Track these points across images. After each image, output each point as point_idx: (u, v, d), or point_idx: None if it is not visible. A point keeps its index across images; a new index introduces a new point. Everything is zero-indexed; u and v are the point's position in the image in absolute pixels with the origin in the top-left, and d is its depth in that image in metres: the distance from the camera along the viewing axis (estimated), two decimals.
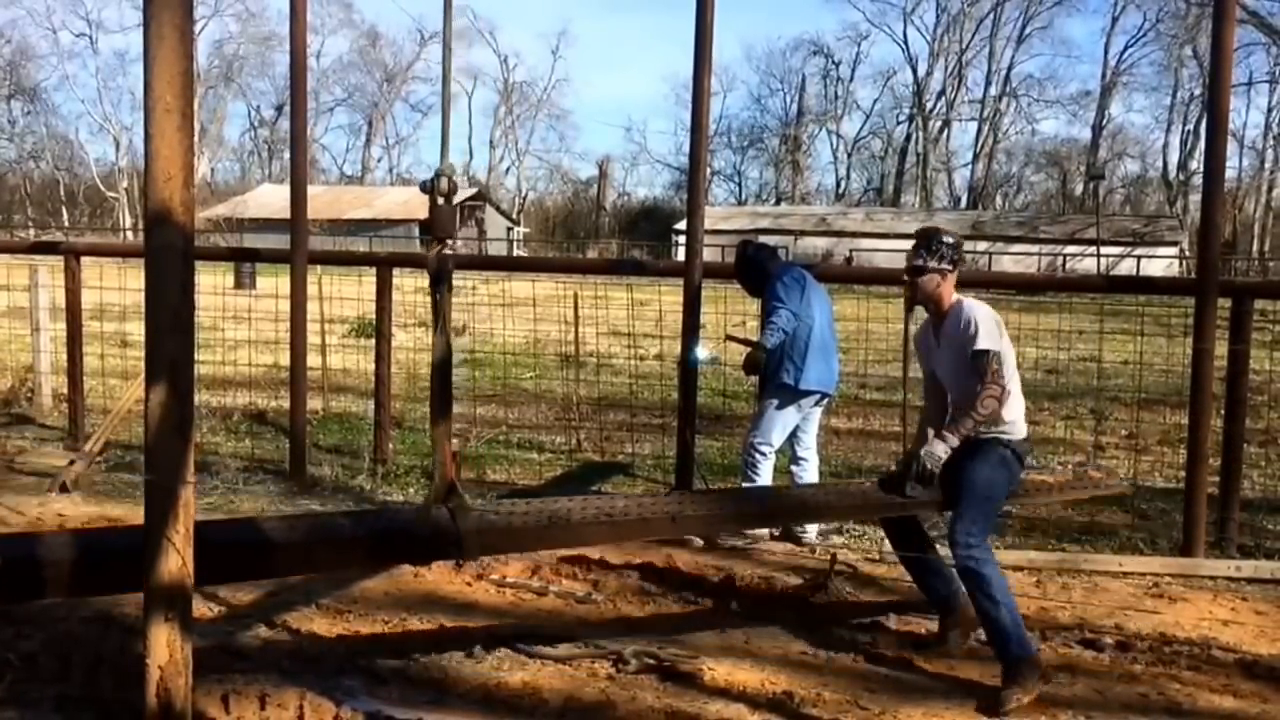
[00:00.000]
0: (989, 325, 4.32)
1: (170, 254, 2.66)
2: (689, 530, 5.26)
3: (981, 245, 50.54)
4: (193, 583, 2.72)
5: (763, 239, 6.46)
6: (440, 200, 3.72)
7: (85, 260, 8.85)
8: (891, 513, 4.64)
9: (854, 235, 52.81)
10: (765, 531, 6.23)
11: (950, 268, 4.47)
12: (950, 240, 4.51)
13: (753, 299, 6.65)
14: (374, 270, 8.07)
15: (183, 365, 2.65)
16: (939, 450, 4.29)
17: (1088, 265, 46.48)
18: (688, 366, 6.67)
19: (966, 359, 4.35)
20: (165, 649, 2.69)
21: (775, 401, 6.23)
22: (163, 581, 2.66)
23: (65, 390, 9.08)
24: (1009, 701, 3.98)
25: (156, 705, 2.69)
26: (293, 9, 7.22)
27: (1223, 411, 6.48)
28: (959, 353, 4.39)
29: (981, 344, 4.29)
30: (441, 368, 3.82)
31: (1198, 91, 66.44)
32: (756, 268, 6.43)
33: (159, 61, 2.66)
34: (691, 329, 6.56)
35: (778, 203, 69.28)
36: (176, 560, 2.63)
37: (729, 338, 6.83)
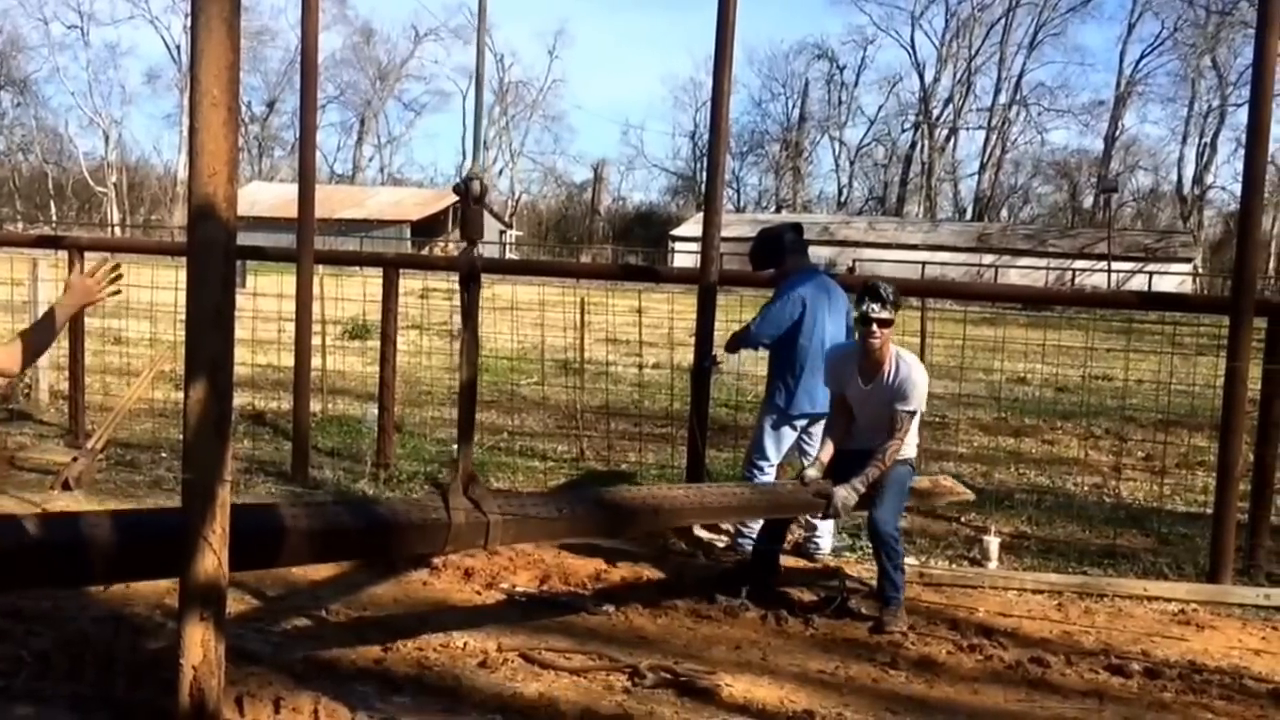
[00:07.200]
0: (922, 389, 5.01)
1: (213, 250, 2.60)
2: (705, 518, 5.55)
3: (988, 258, 49.89)
4: (228, 582, 2.66)
5: None
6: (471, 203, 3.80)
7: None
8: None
9: (856, 245, 52.03)
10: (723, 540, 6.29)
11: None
12: (892, 286, 4.99)
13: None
14: (364, 271, 7.88)
15: (223, 363, 2.60)
16: (851, 499, 5.03)
17: (1097, 280, 44.85)
18: (701, 369, 6.57)
19: (889, 406, 5.00)
20: (199, 649, 2.64)
21: (770, 420, 6.12)
22: (199, 580, 2.61)
23: (61, 386, 8.97)
24: (891, 625, 4.99)
25: (189, 705, 2.64)
26: (304, 6, 7.22)
27: (1255, 434, 6.23)
28: (886, 401, 5.01)
29: (910, 406, 4.99)
30: (470, 364, 3.97)
31: (1215, 103, 64.76)
32: (777, 249, 6.18)
33: (206, 55, 2.59)
34: (704, 334, 6.49)
35: (778, 210, 67.25)
36: (213, 560, 2.57)
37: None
